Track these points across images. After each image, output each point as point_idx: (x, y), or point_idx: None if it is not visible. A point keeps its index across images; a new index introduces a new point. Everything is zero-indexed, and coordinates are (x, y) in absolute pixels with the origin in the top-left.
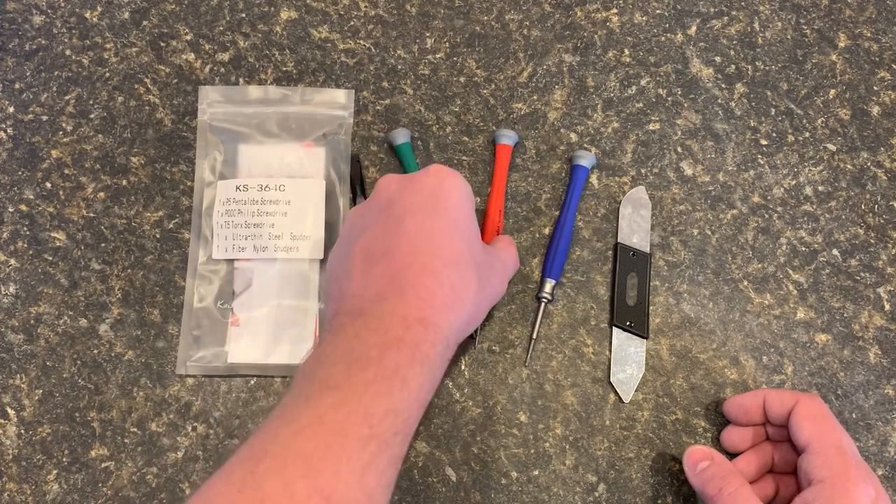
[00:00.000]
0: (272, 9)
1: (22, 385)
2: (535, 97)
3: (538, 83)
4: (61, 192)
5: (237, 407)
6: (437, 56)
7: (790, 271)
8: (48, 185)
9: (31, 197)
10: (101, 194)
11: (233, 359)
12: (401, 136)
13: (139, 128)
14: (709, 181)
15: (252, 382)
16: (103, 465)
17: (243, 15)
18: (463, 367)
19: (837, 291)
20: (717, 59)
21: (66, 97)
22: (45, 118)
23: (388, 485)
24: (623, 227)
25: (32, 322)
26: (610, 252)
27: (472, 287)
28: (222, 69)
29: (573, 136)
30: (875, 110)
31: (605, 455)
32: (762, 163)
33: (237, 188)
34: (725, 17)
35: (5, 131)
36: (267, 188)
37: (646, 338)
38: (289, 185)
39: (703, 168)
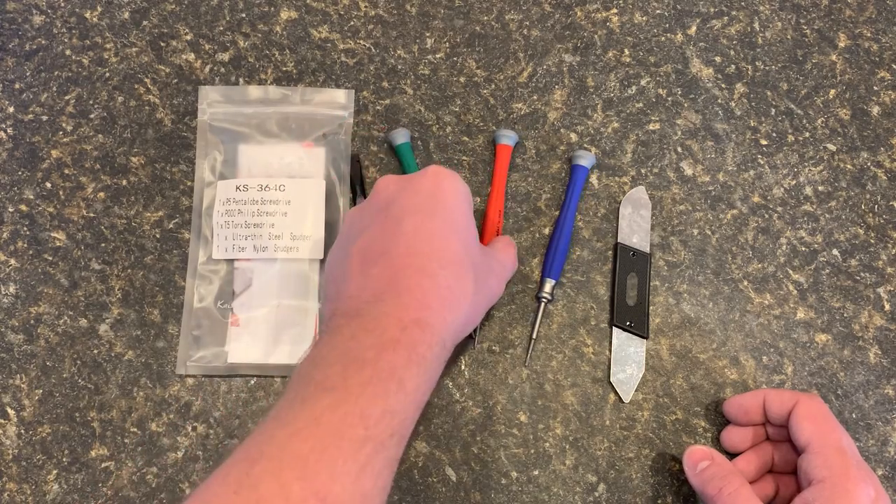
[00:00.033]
0: (272, 9)
1: (22, 385)
2: (535, 97)
3: (538, 83)
4: (61, 192)
5: (237, 407)
6: (437, 56)
7: (790, 271)
8: (48, 185)
9: (31, 197)
10: (101, 194)
11: (233, 359)
12: (400, 137)
13: (139, 128)
14: (709, 181)
15: (252, 382)
16: (103, 465)
17: (243, 15)
18: (463, 367)
19: (837, 291)
20: (717, 59)
21: (66, 97)
22: (45, 118)
23: (384, 486)
24: (623, 227)
25: (32, 322)
26: (610, 252)
27: (469, 288)
28: (222, 69)
29: (573, 136)
30: (875, 110)
31: (605, 455)
32: (762, 163)
33: (237, 188)
34: (725, 17)
35: (5, 131)
36: (267, 188)
37: (646, 338)
38: (289, 185)
39: (703, 168)
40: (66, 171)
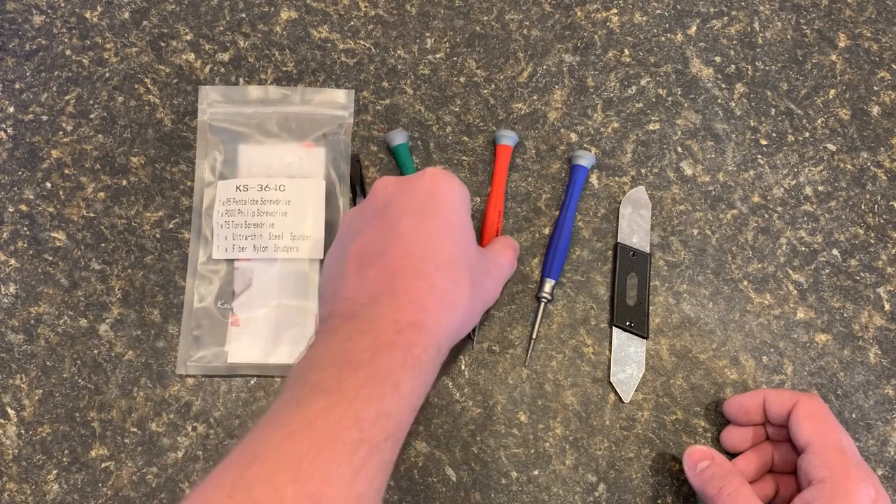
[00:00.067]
0: (272, 9)
1: (22, 385)
2: (535, 97)
3: (538, 83)
4: (61, 192)
5: (237, 407)
6: (437, 56)
7: (790, 271)
8: (48, 185)
9: (31, 197)
10: (101, 194)
11: (233, 359)
12: (398, 137)
13: (139, 128)
14: (709, 181)
15: (252, 382)
16: (103, 465)
17: (243, 15)
18: (463, 367)
19: (837, 291)
20: (717, 59)
21: (66, 97)
22: (45, 118)
23: (378, 489)
24: (623, 227)
25: (32, 322)
26: (610, 252)
27: (466, 291)
28: (222, 69)
29: (573, 136)
30: (875, 110)
31: (605, 455)
32: (762, 163)
33: (237, 188)
34: (725, 17)
35: (5, 131)
36: (267, 188)
37: (646, 338)
38: (289, 185)
39: (703, 168)
40: (67, 171)
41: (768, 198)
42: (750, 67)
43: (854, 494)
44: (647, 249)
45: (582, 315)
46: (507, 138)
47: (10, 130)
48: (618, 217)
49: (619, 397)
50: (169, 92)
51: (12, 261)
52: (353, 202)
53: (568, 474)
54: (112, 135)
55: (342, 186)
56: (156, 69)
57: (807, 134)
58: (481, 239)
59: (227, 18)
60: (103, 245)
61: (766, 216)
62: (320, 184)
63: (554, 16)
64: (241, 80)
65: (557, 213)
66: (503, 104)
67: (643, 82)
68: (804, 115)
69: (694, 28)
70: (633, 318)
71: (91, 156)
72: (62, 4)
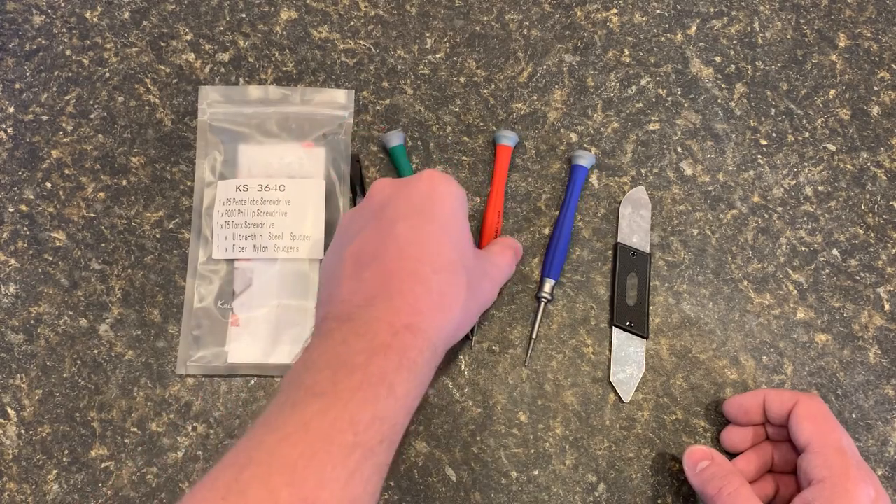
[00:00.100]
0: (272, 9)
1: (22, 385)
2: (535, 97)
3: (538, 83)
4: (61, 192)
5: (237, 407)
6: (437, 56)
7: (790, 271)
8: (48, 185)
9: (31, 197)
10: (101, 194)
11: (233, 359)
12: (394, 139)
13: (139, 128)
14: (709, 181)
15: (252, 382)
16: (103, 465)
17: (243, 15)
18: (463, 367)
19: (837, 291)
20: (717, 59)
21: (66, 97)
22: (45, 118)
23: (373, 492)
24: (623, 227)
25: (32, 322)
26: (610, 252)
27: (462, 293)
28: (222, 69)
29: (573, 136)
30: (875, 110)
31: (605, 455)
32: (762, 163)
33: (237, 188)
34: (725, 17)
35: (5, 131)
36: (267, 188)
37: (646, 338)
38: (289, 185)
39: (703, 168)
40: (67, 171)
41: (768, 198)
42: (750, 67)
43: (854, 494)
44: (647, 249)
45: (582, 315)
46: (507, 138)
47: (10, 130)
48: (618, 217)
49: (619, 397)
50: (169, 92)
51: (12, 261)
52: (354, 202)
53: (568, 474)
54: (112, 135)
55: (342, 186)
56: (156, 69)
57: (807, 134)
58: (480, 239)
59: (227, 18)
60: (103, 245)
61: (766, 216)
62: (320, 184)
63: (554, 16)
64: (241, 80)
65: (557, 213)
66: (503, 104)
67: (643, 82)
68: (804, 115)
69: (694, 28)
70: (633, 318)
71: (91, 156)
72: (62, 4)
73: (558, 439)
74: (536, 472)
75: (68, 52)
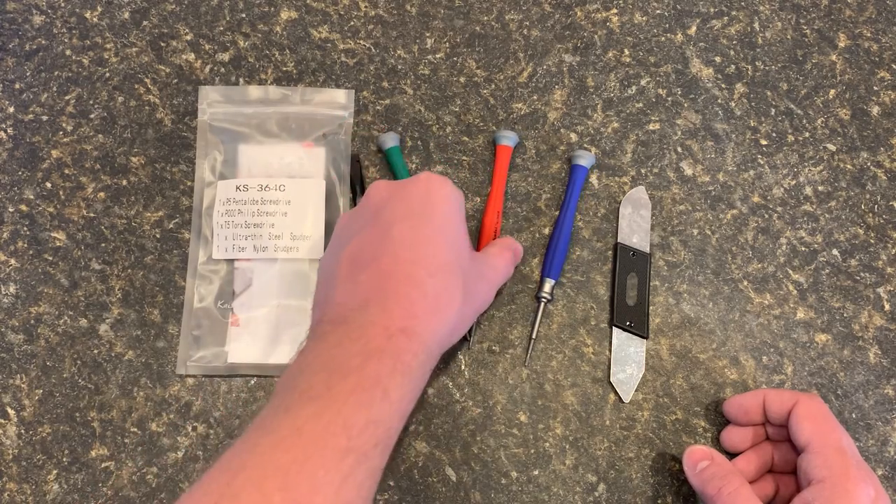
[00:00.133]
0: (272, 9)
1: (22, 385)
2: (535, 97)
3: (538, 83)
4: (61, 192)
5: (237, 407)
6: (437, 56)
7: (790, 271)
8: (48, 185)
9: (31, 197)
10: (101, 194)
11: (233, 359)
12: (389, 141)
13: (139, 128)
14: (709, 181)
15: (252, 382)
16: (103, 465)
17: (243, 15)
18: (463, 367)
19: (837, 291)
20: (717, 59)
21: (66, 97)
22: (45, 118)
23: (366, 497)
24: (623, 227)
25: (32, 322)
26: (610, 252)
27: (458, 297)
28: (222, 69)
29: (573, 136)
30: (875, 110)
31: (605, 455)
32: (762, 163)
33: (237, 188)
34: (725, 17)
35: (5, 131)
36: (267, 188)
37: (646, 338)
38: (289, 185)
39: (703, 168)
40: (67, 171)
41: (768, 198)
42: (750, 67)
43: (854, 494)
44: (647, 249)
45: (582, 315)
46: (507, 138)
47: (10, 130)
48: (618, 217)
49: (619, 397)
50: (169, 92)
51: (12, 261)
52: (353, 202)
53: (568, 474)
54: (112, 135)
55: (342, 186)
56: (156, 69)
57: (807, 134)
58: (479, 239)
59: (227, 18)
60: (103, 245)
61: (766, 216)
62: (320, 184)
63: (554, 16)
64: (241, 80)
65: (557, 213)
66: (503, 104)
67: (643, 82)
68: (804, 115)
69: (694, 28)
70: (633, 318)
71: (91, 156)
72: (62, 4)
73: (558, 439)
74: (536, 472)
75: (68, 52)
